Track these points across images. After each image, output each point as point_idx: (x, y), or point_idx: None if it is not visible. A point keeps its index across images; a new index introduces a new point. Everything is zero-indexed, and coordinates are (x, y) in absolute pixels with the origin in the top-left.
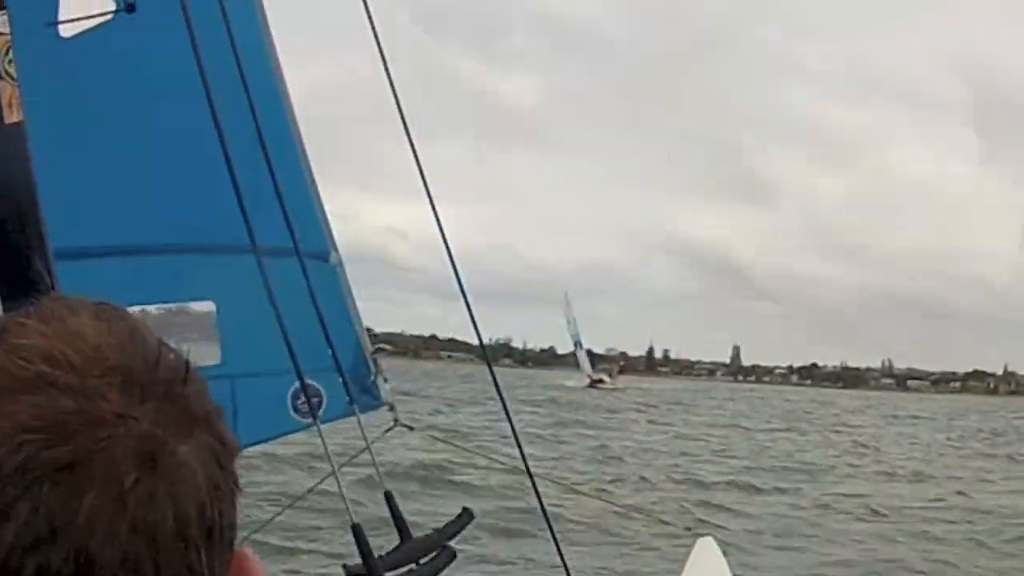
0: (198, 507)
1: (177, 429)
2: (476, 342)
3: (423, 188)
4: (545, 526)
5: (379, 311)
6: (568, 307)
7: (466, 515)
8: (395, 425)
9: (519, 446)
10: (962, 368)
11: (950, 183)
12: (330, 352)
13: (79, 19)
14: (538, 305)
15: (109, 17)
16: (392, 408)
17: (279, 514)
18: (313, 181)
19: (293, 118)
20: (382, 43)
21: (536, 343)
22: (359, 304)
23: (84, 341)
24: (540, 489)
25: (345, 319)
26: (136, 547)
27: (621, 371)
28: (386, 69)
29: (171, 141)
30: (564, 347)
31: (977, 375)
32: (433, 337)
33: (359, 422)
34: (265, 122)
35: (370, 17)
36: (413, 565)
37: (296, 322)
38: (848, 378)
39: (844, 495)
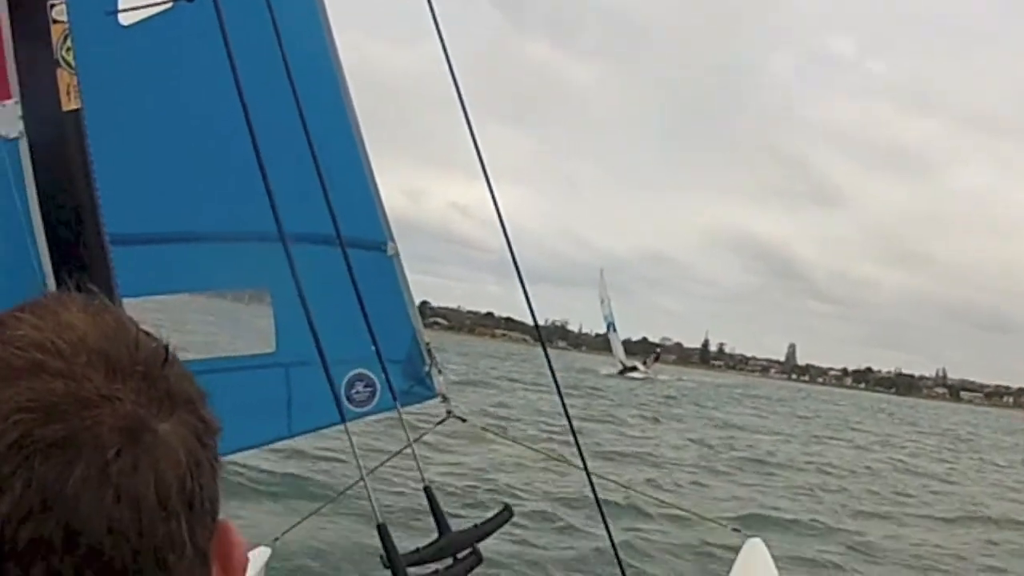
0: (179, 479)
1: (158, 408)
2: (532, 322)
3: (486, 168)
4: None
5: (440, 286)
6: (603, 286)
7: (506, 512)
8: (448, 416)
9: (573, 434)
10: (1016, 383)
11: (1013, 198)
12: (374, 345)
13: (138, 8)
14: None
15: (169, 5)
16: (446, 399)
17: (354, 484)
18: (371, 171)
19: (351, 106)
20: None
21: (592, 327)
22: (421, 279)
23: (72, 331)
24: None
25: (400, 309)
26: (121, 515)
27: (657, 359)
28: (444, 51)
29: (229, 129)
30: (620, 333)
31: None
32: (489, 315)
33: (400, 418)
34: (323, 112)
35: (431, 5)
36: (438, 566)
37: (351, 312)
38: (902, 384)
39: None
